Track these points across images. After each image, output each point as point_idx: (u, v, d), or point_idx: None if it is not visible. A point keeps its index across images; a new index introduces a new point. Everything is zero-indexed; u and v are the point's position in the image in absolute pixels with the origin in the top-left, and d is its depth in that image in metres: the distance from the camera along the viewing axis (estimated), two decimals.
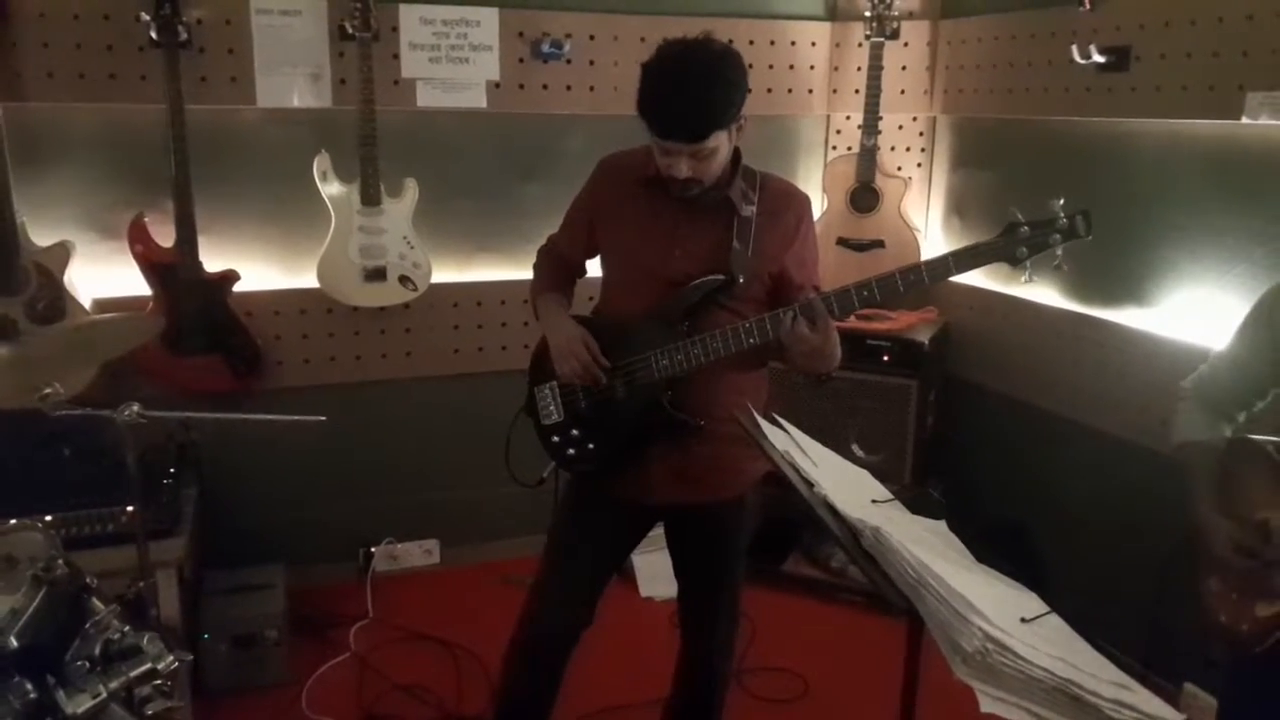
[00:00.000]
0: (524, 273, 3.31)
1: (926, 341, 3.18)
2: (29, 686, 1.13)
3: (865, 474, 1.67)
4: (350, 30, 2.95)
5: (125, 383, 2.76)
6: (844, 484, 1.54)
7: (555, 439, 2.05)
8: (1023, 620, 1.14)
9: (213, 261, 2.93)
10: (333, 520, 3.28)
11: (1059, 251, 1.71)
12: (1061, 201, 1.71)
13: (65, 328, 2.18)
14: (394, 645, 2.95)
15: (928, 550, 1.24)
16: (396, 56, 3.08)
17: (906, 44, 3.39)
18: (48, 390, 1.67)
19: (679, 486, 1.98)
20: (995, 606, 1.11)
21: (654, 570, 3.15)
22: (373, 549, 3.31)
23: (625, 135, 2.08)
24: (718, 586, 2.13)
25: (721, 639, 2.17)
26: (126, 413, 1.72)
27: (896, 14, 3.27)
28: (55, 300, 2.78)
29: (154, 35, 2.76)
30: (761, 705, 2.71)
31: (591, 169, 2.11)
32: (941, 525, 1.49)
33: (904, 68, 3.43)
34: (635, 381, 1.93)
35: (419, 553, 3.38)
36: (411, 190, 3.07)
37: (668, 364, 1.89)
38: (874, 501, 1.52)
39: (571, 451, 2.03)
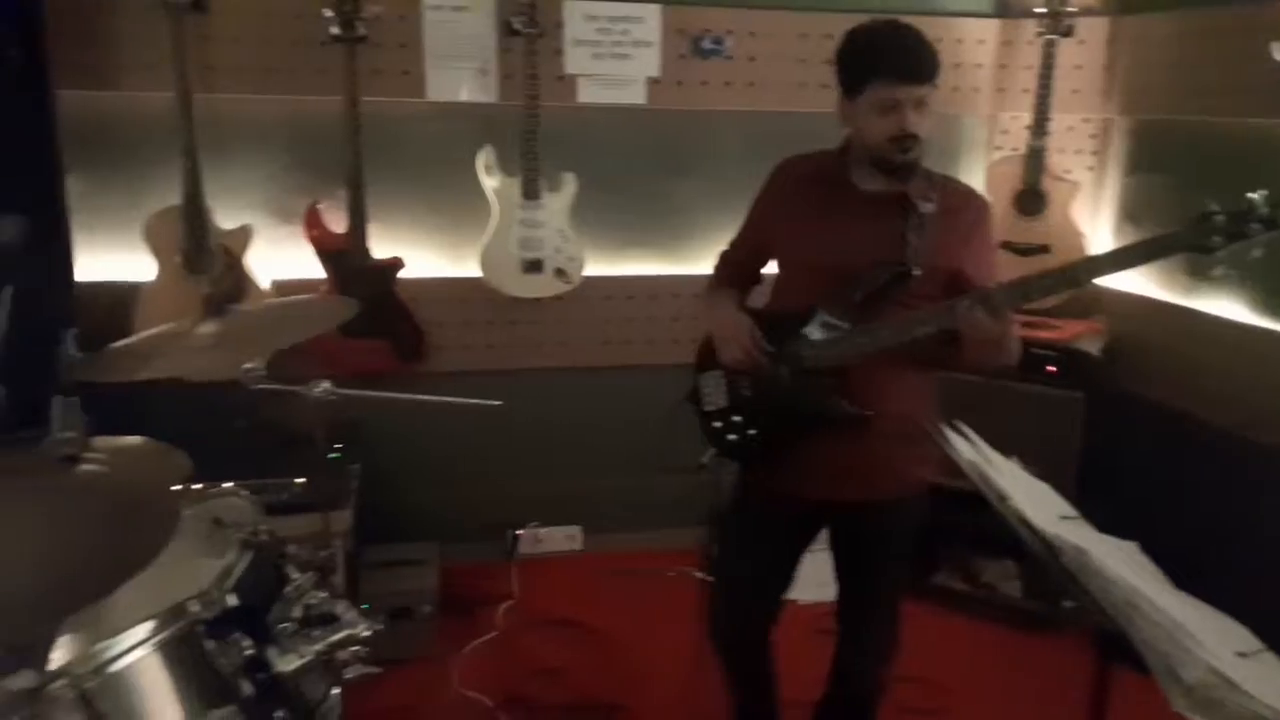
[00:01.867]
0: (675, 269, 3.39)
1: (1095, 352, 3.04)
2: (247, 642, 1.20)
3: (1049, 488, 1.62)
4: (517, 27, 3.02)
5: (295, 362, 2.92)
6: (1031, 498, 1.49)
7: (717, 424, 2.07)
8: (1239, 655, 1.08)
9: (380, 248, 3.05)
10: (482, 502, 3.37)
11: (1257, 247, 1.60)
12: (1263, 193, 1.60)
13: (271, 305, 2.31)
14: (537, 627, 3.02)
15: (1130, 573, 1.19)
16: (560, 52, 3.14)
17: (1082, 42, 3.25)
18: (248, 365, 1.78)
19: (840, 480, 1.96)
20: (1211, 637, 1.06)
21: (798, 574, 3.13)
22: (519, 532, 3.40)
23: (784, 133, 2.07)
24: (877, 588, 2.11)
25: (879, 643, 2.15)
26: (319, 389, 1.81)
27: (1073, 10, 3.14)
28: (238, 280, 2.96)
29: (335, 31, 2.89)
30: (904, 716, 2.66)
31: (749, 166, 2.13)
32: (1133, 546, 1.43)
33: (1078, 67, 3.29)
34: (802, 368, 1.92)
35: (562, 538, 3.45)
36: (570, 185, 3.12)
37: (836, 352, 1.87)
38: (1062, 518, 1.46)
39: (733, 437, 2.04)
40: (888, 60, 1.78)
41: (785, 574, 2.14)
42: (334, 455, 2.75)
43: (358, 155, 2.95)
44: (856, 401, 1.90)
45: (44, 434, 2.36)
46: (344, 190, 2.99)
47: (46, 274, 2.68)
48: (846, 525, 2.08)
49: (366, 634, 1.38)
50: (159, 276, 2.93)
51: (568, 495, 3.45)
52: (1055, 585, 2.96)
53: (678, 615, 2.32)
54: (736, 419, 2.03)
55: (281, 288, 3.07)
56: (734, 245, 2.19)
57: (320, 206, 3.02)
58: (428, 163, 3.16)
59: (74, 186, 2.80)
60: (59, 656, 0.97)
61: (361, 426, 3.00)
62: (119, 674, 1.03)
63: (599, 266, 3.28)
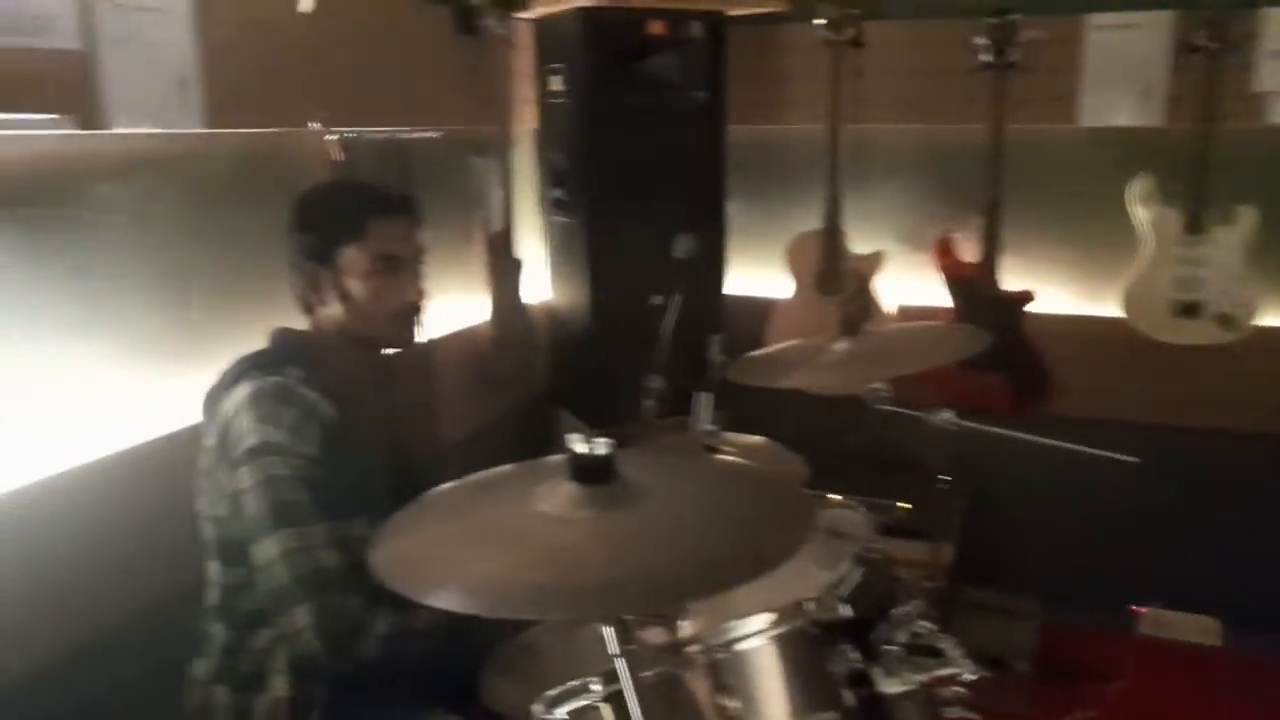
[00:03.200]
0: None
1: None
2: (855, 655, 1.20)
3: None
4: (1198, 42, 2.67)
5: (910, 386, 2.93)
6: None
7: None
8: None
9: (1010, 280, 2.93)
10: (1097, 564, 3.03)
11: None
12: None
13: (904, 329, 2.38)
14: None
15: None
16: (1250, 68, 2.71)
17: None
18: (875, 385, 1.81)
19: None
20: None
21: None
22: (1139, 609, 3.00)
23: None
24: None
25: None
26: (940, 417, 1.78)
27: None
28: (865, 304, 3.06)
29: (986, 58, 2.83)
30: None
31: None
32: None
33: None
34: None
35: (1195, 628, 2.96)
36: (1249, 218, 2.67)
37: None
38: None
39: None
40: None
41: None
42: (942, 485, 2.69)
43: (997, 183, 2.86)
44: None
45: (687, 423, 2.67)
46: (978, 218, 2.92)
47: (705, 285, 3.06)
48: None
49: (970, 677, 1.29)
50: (793, 295, 3.16)
51: (1205, 579, 2.95)
52: None
53: None
54: None
55: (906, 313, 3.11)
56: None
57: (953, 235, 2.99)
58: (1069, 191, 2.97)
59: (732, 210, 3.14)
60: (694, 626, 1.06)
61: (968, 460, 2.90)
62: (743, 653, 1.09)
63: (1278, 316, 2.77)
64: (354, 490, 1.62)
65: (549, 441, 3.42)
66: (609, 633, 0.94)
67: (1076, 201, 2.96)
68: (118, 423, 1.92)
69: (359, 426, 1.68)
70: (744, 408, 2.87)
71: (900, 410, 1.83)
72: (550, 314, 3.33)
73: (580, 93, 2.90)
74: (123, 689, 1.84)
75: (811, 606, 1.18)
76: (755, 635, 1.10)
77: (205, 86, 2.01)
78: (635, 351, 2.34)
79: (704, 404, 2.77)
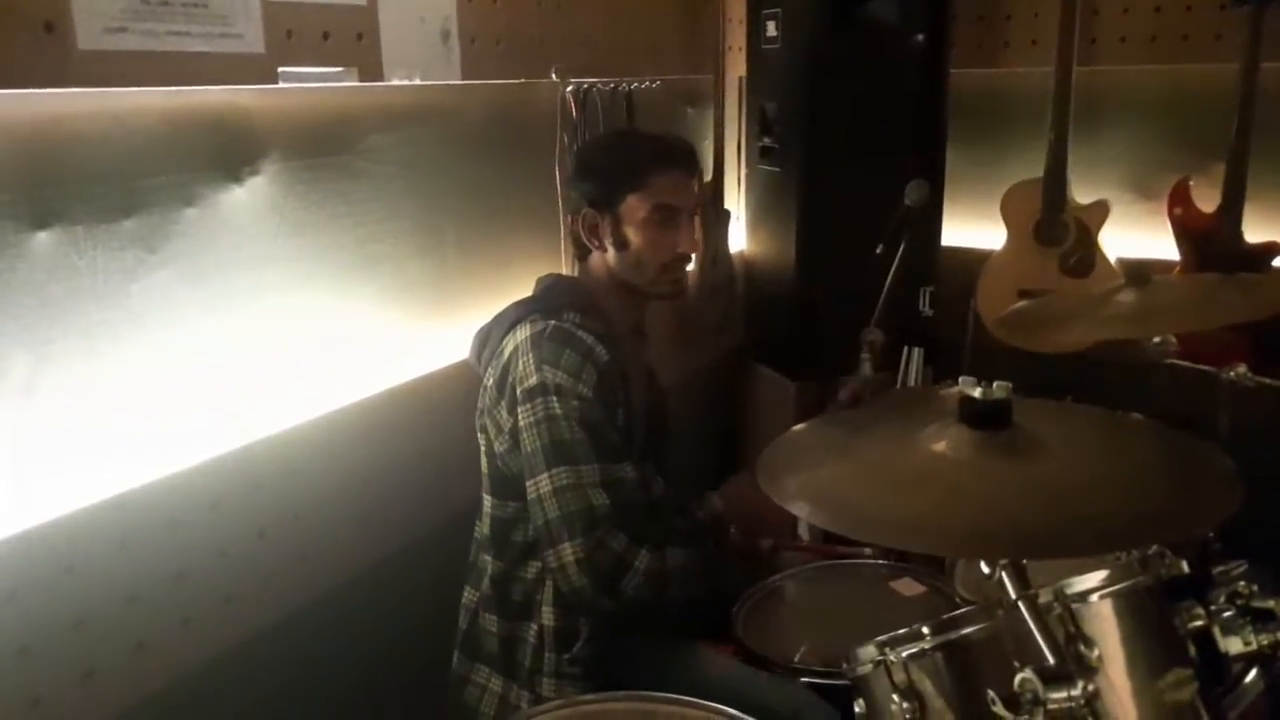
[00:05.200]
0: None
1: None
2: (1199, 611, 1.16)
3: None
4: None
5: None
6: None
7: None
8: None
9: (1254, 232, 2.75)
10: None
11: None
12: None
13: (1200, 281, 2.26)
14: None
15: None
16: None
17: None
18: (1158, 340, 1.73)
19: None
20: None
21: None
22: None
23: None
24: None
25: None
26: (1233, 374, 1.69)
27: None
28: (1087, 256, 2.93)
29: None
30: None
31: None
32: None
33: None
34: None
35: None
36: None
37: None
38: None
39: None
40: None
41: None
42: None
43: (1245, 127, 2.68)
44: None
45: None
46: (1218, 166, 2.74)
47: (922, 235, 2.98)
48: None
49: None
50: (1007, 245, 3.05)
51: None
52: None
53: None
54: None
55: (1127, 267, 2.96)
56: None
57: (1190, 182, 2.82)
58: None
59: (949, 157, 3.04)
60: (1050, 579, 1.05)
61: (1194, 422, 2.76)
62: (1093, 604, 1.07)
63: None
64: (621, 433, 1.66)
65: (745, 394, 3.42)
66: (1006, 577, 0.94)
67: None
68: (384, 362, 2.02)
69: (626, 372, 1.72)
70: (954, 361, 2.79)
71: (1187, 365, 1.75)
72: (747, 265, 3.32)
73: (795, 37, 2.85)
74: (401, 609, 1.97)
75: (1155, 564, 1.15)
76: (1101, 587, 1.08)
77: (462, 38, 2.06)
78: (840, 304, 2.29)
79: (915, 358, 2.71)
